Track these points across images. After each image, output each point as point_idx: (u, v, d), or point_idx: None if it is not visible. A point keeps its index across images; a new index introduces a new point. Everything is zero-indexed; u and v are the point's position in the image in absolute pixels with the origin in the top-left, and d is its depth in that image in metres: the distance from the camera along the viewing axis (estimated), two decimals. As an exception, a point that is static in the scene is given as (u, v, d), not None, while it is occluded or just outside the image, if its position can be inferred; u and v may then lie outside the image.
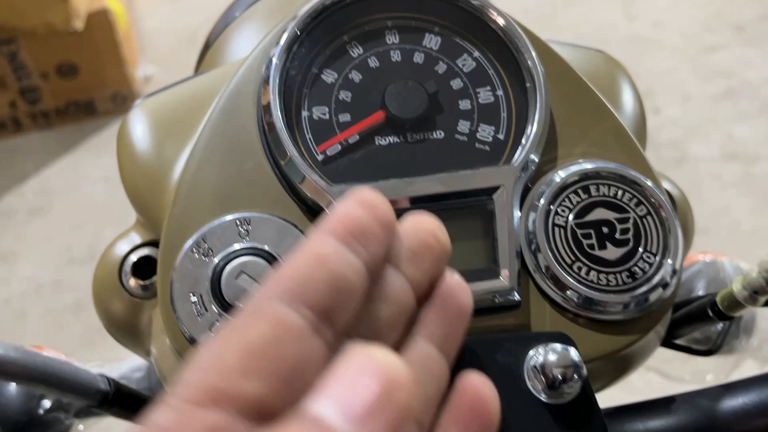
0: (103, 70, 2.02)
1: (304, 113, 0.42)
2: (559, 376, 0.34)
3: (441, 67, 0.44)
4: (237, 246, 0.39)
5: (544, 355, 0.35)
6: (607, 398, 0.41)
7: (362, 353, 0.23)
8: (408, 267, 0.29)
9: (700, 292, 0.53)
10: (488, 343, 0.32)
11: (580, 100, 0.45)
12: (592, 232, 0.40)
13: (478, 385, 0.28)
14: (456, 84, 0.44)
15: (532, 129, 0.42)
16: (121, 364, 0.57)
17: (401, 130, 0.42)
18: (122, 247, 0.45)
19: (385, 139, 0.42)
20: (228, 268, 0.39)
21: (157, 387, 0.54)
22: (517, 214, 0.41)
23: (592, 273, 0.40)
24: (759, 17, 2.23)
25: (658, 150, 1.90)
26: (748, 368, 0.51)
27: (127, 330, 0.46)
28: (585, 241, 0.40)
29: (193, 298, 0.38)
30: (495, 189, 0.41)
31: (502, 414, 0.33)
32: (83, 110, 2.09)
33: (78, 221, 1.86)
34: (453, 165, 0.42)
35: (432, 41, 0.45)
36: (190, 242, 0.39)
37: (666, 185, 0.49)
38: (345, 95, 0.43)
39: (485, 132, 0.43)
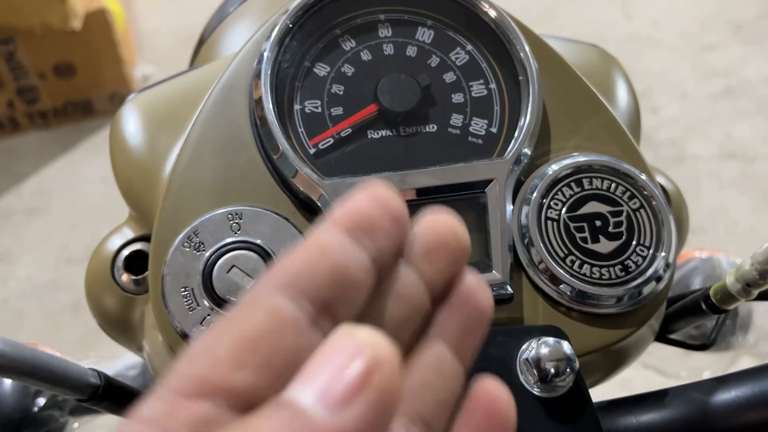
0: (100, 70, 2.02)
1: (297, 107, 0.42)
2: (552, 370, 0.34)
3: (434, 61, 0.44)
4: (229, 240, 0.39)
5: (536, 349, 0.35)
6: (605, 396, 0.41)
7: (343, 333, 0.22)
8: (422, 264, 0.28)
9: (696, 288, 0.53)
10: (480, 336, 0.32)
11: (573, 93, 0.44)
12: (585, 225, 0.40)
13: (493, 390, 0.28)
14: (449, 77, 0.44)
15: (525, 122, 0.42)
16: (115, 362, 0.57)
17: (394, 123, 0.42)
18: (114, 242, 0.45)
19: (377, 133, 0.42)
20: (220, 262, 0.38)
21: (152, 384, 0.54)
22: (509, 207, 0.41)
23: (585, 266, 0.40)
24: (757, 16, 2.23)
25: (657, 149, 1.90)
26: (745, 364, 0.50)
27: (120, 325, 0.45)
28: (578, 235, 0.40)
29: (185, 293, 0.38)
30: (488, 182, 0.41)
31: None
32: (81, 110, 2.09)
33: (76, 221, 1.85)
34: (446, 158, 0.42)
35: (425, 34, 0.44)
36: (181, 236, 0.39)
37: (660, 179, 0.49)
38: (337, 89, 0.43)
39: (478, 125, 0.43)
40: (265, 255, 0.39)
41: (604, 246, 0.40)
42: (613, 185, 0.41)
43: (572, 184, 0.41)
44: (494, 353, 0.35)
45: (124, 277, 0.44)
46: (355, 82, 0.43)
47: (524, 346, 0.35)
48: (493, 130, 0.43)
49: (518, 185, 0.42)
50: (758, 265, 0.36)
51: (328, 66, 0.43)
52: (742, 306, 0.60)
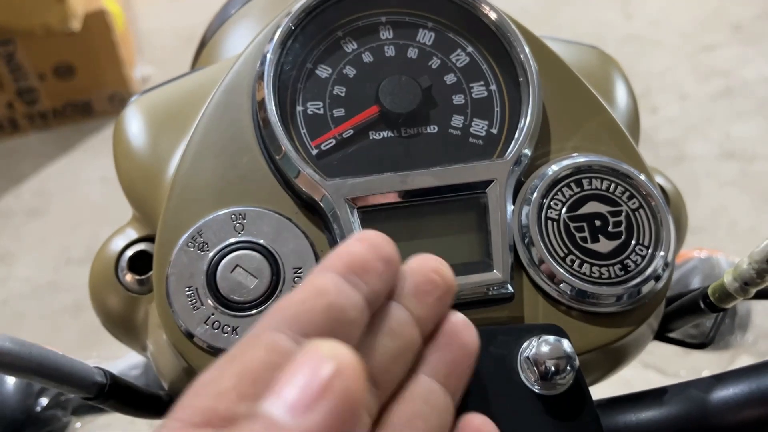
0: (100, 70, 2.02)
1: (299, 108, 0.43)
2: (552, 368, 0.34)
3: (435, 62, 0.44)
4: (232, 240, 0.39)
5: (537, 347, 0.35)
6: (604, 395, 0.41)
7: (309, 348, 0.23)
8: (412, 303, 0.30)
9: (695, 288, 0.53)
10: (482, 335, 0.32)
11: (572, 94, 0.45)
12: (584, 225, 0.41)
13: (479, 425, 0.29)
14: (449, 79, 0.44)
15: (525, 123, 0.42)
16: (118, 361, 0.58)
17: (395, 124, 0.43)
18: (118, 243, 0.45)
19: (379, 134, 0.43)
20: (223, 261, 0.39)
21: (154, 384, 0.54)
22: (510, 207, 0.41)
23: (585, 266, 0.40)
24: (756, 16, 2.23)
25: (656, 149, 1.90)
26: (744, 363, 0.51)
27: (124, 325, 0.46)
28: (578, 234, 0.41)
29: (189, 292, 0.39)
30: (488, 183, 0.41)
31: (495, 405, 0.34)
32: (80, 111, 2.09)
33: (75, 222, 1.86)
34: (446, 159, 0.42)
35: (426, 36, 0.45)
36: (185, 236, 0.40)
37: (659, 179, 0.49)
38: (339, 90, 0.43)
39: (478, 126, 0.43)
40: (268, 255, 0.39)
41: (604, 245, 0.40)
42: (613, 185, 0.42)
43: (572, 185, 0.41)
44: (495, 352, 0.35)
45: (128, 277, 0.44)
46: (356, 83, 0.43)
47: (525, 345, 0.36)
48: (494, 131, 0.43)
49: (518, 185, 0.42)
50: (756, 264, 0.37)
51: (330, 68, 0.44)
52: (741, 305, 0.60)
